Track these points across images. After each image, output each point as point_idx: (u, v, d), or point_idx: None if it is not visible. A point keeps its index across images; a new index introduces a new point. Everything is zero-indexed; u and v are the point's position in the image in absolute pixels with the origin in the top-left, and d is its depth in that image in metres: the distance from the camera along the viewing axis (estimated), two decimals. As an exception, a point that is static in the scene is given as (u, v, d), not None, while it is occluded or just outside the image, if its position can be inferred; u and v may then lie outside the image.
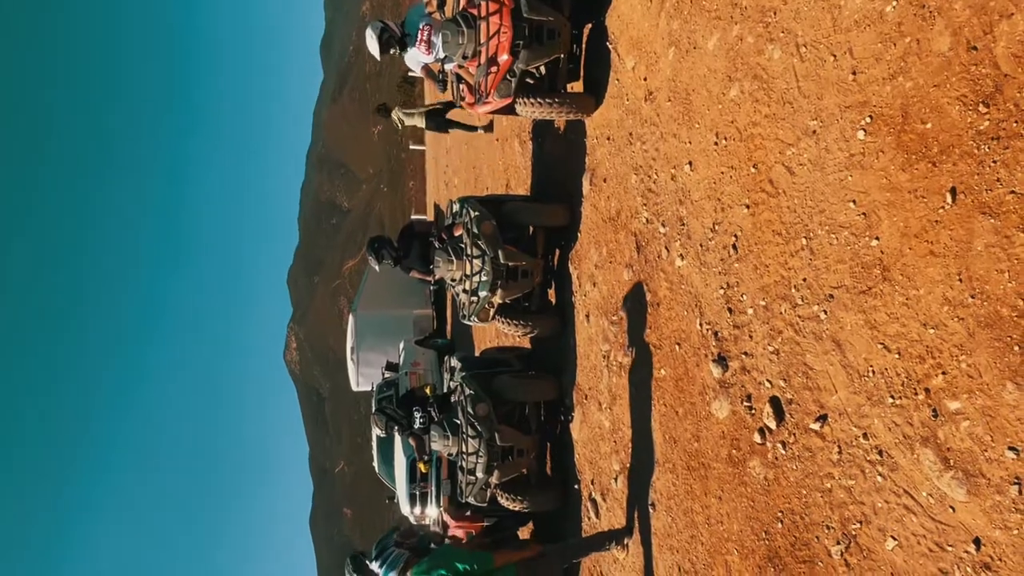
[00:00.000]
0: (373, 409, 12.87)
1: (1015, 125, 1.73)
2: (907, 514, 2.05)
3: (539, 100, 4.49)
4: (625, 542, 4.15)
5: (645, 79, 4.03)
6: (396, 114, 9.39)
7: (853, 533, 2.28)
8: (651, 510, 3.86)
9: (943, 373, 1.93)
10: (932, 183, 1.99)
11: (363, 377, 17.08)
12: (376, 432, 6.15)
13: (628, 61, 4.27)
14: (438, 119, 9.18)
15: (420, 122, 9.33)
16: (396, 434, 6.17)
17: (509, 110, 4.64)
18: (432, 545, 4.86)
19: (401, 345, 15.53)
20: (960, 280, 1.89)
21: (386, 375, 14.50)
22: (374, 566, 3.96)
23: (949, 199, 1.93)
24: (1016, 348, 1.70)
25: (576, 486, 5.17)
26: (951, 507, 1.89)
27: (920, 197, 2.04)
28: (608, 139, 4.64)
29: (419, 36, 4.75)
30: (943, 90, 1.94)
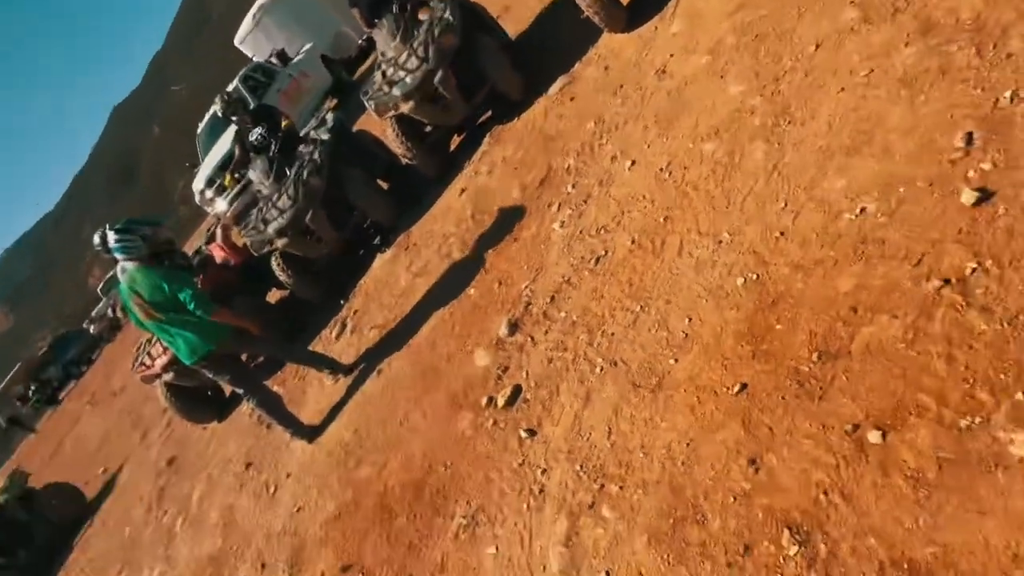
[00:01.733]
0: (233, 83, 11.79)
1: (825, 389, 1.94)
2: (513, 545, 2.41)
3: None
4: (339, 377, 4.40)
5: (672, 55, 3.80)
6: None
7: (474, 517, 2.65)
8: (375, 374, 4.11)
9: (620, 487, 2.23)
10: (739, 367, 2.18)
11: (252, 40, 15.41)
12: (219, 106, 5.66)
13: (675, 24, 3.97)
14: None
15: None
16: (234, 123, 5.74)
17: None
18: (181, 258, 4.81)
19: (306, 46, 14.13)
20: (688, 444, 2.15)
21: (271, 61, 13.22)
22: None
23: (737, 387, 2.14)
24: (671, 515, 2.01)
25: (342, 303, 5.30)
26: (544, 567, 2.25)
27: (724, 367, 2.23)
28: (604, 69, 4.38)
29: None
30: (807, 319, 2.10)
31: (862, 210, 2.23)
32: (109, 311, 22.00)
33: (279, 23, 15.22)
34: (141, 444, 7.71)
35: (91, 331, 24.85)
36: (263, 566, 3.64)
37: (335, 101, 13.72)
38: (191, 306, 3.64)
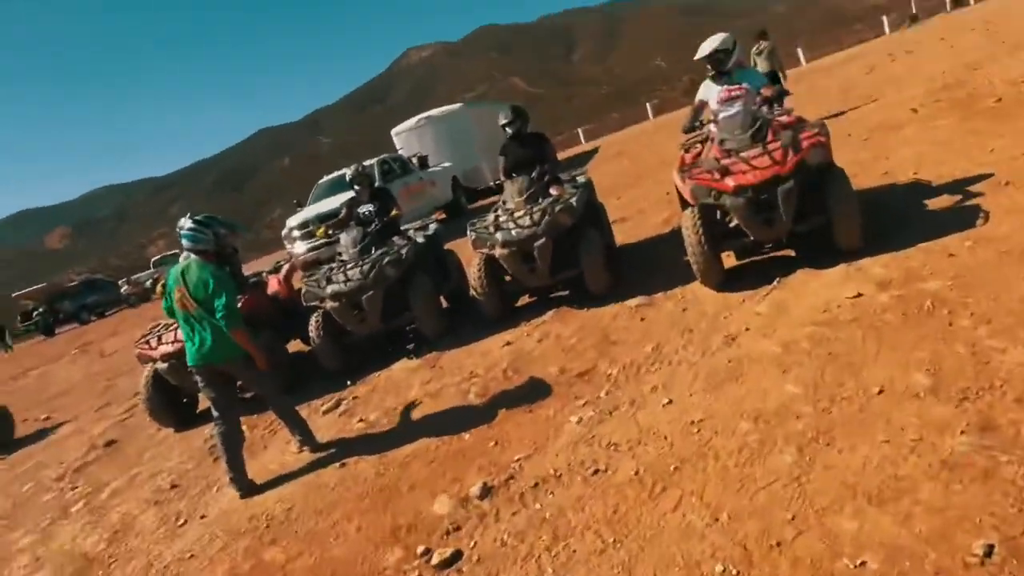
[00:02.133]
0: (372, 160, 12.98)
1: None
2: None
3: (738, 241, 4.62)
4: (304, 448, 4.31)
5: (747, 330, 3.96)
6: None
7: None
8: (338, 465, 4.01)
9: None
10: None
11: (406, 136, 17.09)
12: (350, 171, 6.23)
13: (761, 305, 4.18)
14: None
15: None
16: (353, 190, 6.25)
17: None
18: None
19: (445, 164, 15.58)
20: None
21: (411, 160, 14.53)
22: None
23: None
24: None
25: (348, 383, 5.32)
26: None
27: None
28: (683, 310, 4.60)
29: None
30: None
31: (862, 563, 2.15)
32: (149, 282, 22.67)
33: (435, 136, 16.95)
34: (96, 413, 7.56)
35: (122, 290, 25.50)
36: (124, 592, 3.37)
37: (443, 216, 14.73)
38: (219, 312, 3.76)
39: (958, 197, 4.78)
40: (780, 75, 10.79)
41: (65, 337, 20.57)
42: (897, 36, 25.52)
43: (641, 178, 11.35)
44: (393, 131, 17.70)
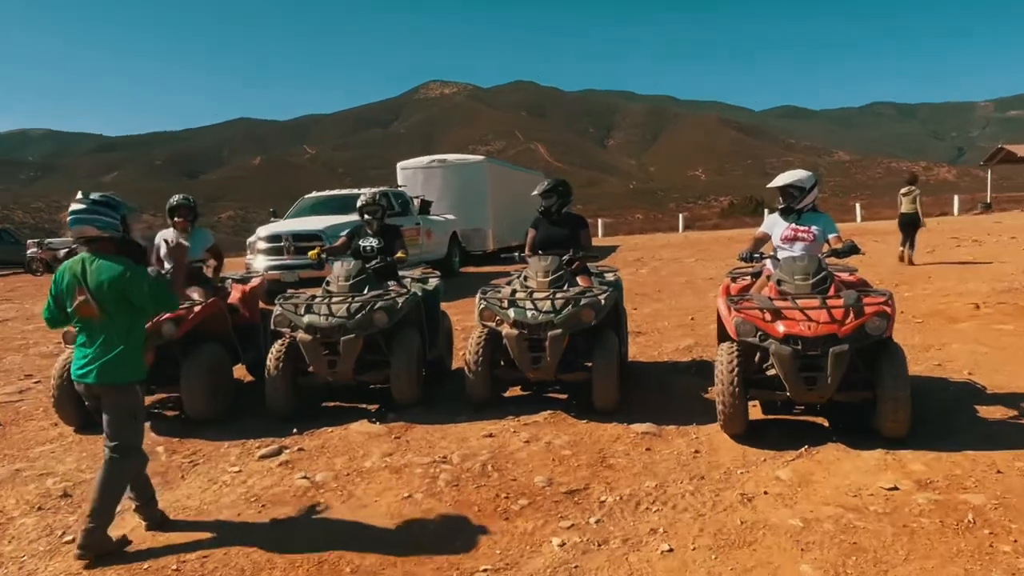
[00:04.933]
0: (377, 189, 13.37)
1: None
2: None
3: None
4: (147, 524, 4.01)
5: (765, 493, 4.11)
6: None
7: None
8: (270, 523, 3.99)
9: None
10: None
11: (413, 175, 17.62)
12: (365, 197, 6.50)
13: (784, 471, 4.36)
14: None
15: None
16: (362, 219, 6.49)
17: None
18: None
19: (448, 216, 16.03)
20: None
21: (414, 200, 14.95)
22: None
23: None
24: None
25: (294, 431, 5.32)
26: None
27: None
28: (694, 452, 4.75)
29: None
30: None
31: None
32: (64, 251, 22.34)
33: (444, 183, 17.51)
34: (-25, 382, 7.38)
35: (29, 251, 25.04)
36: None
37: (436, 273, 15.03)
38: (150, 299, 3.54)
39: (1013, 412, 5.09)
40: (919, 220, 13.52)
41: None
42: (967, 220, 27.17)
43: (662, 294, 11.77)
44: (400, 164, 18.26)
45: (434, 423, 5.41)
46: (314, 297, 5.77)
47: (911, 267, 13.08)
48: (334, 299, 5.65)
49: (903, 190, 13.79)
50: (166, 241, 6.14)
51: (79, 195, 3.65)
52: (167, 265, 6.31)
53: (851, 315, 4.57)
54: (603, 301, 5.48)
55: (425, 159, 18.25)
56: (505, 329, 5.42)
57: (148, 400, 6.19)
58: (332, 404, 6.08)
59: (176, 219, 6.36)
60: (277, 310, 5.69)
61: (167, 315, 5.44)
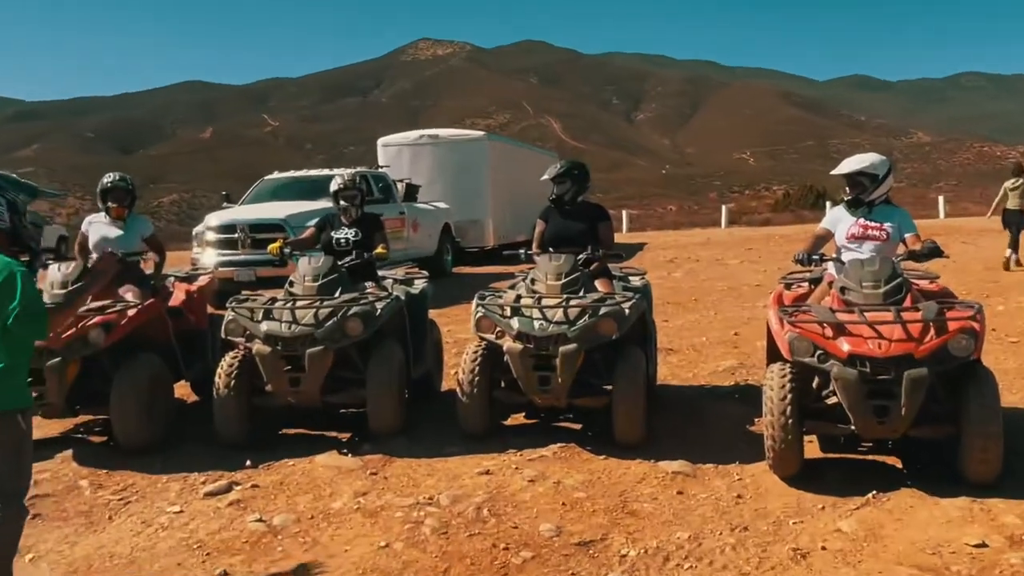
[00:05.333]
0: (369, 174, 13.48)
1: None
2: None
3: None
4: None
5: (823, 548, 4.11)
6: None
7: None
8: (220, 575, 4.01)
9: None
10: None
11: (397, 152, 17.72)
12: (340, 179, 6.51)
13: (847, 523, 4.36)
14: None
15: None
16: (337, 205, 6.50)
17: None
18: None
19: (440, 204, 16.11)
20: None
21: (398, 184, 15.02)
22: None
23: None
24: None
25: (247, 463, 5.35)
26: None
27: None
28: (737, 496, 4.76)
29: None
30: None
31: None
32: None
33: (436, 163, 17.57)
34: None
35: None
36: None
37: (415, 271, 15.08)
38: (17, 316, 3.25)
39: None
40: None
41: None
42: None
43: (701, 303, 11.80)
44: (382, 141, 18.34)
45: (419, 456, 5.42)
46: (274, 300, 5.79)
47: (1008, 273, 13.07)
48: (299, 303, 5.66)
49: (1009, 182, 13.71)
50: (105, 243, 6.19)
51: None
52: (93, 257, 6.34)
53: (931, 332, 4.57)
54: (627, 310, 5.49)
55: (412, 134, 18.33)
56: (507, 343, 5.42)
57: (71, 423, 6.24)
58: (294, 431, 6.12)
59: (109, 203, 6.38)
60: (229, 315, 5.71)
61: (96, 319, 5.47)
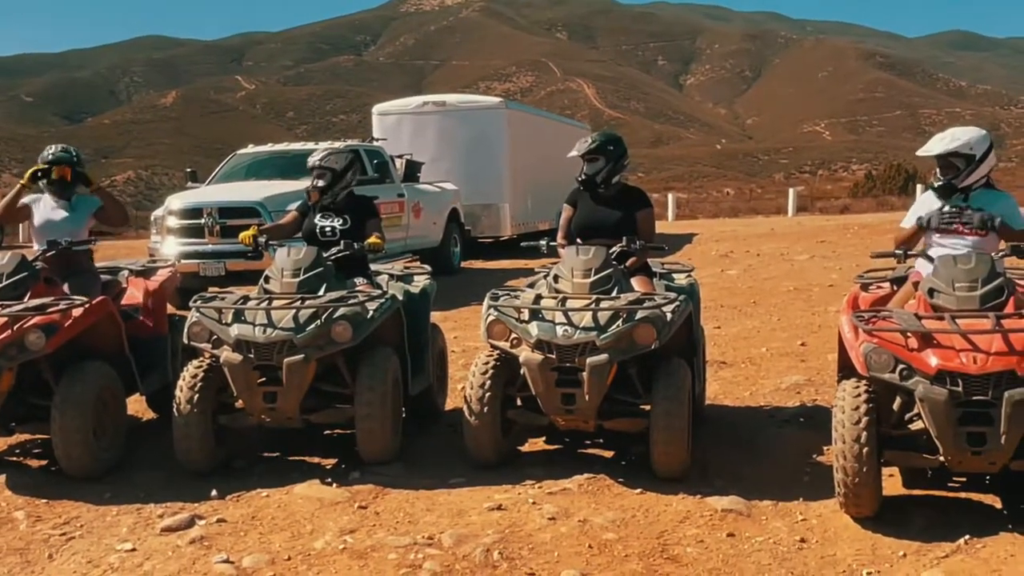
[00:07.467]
0: (362, 148, 13.53)
1: None
2: None
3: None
4: None
5: None
6: None
7: None
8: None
9: None
10: None
11: (396, 122, 17.81)
12: (318, 155, 6.48)
13: (934, 572, 4.36)
14: None
15: None
16: (315, 187, 6.49)
17: None
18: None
19: (449, 185, 16.15)
20: None
21: (396, 161, 15.10)
22: None
23: None
24: None
25: (213, 494, 5.41)
26: None
27: None
28: (800, 540, 4.77)
29: None
30: None
31: None
32: None
33: (442, 135, 17.64)
34: None
35: None
36: None
37: (425, 269, 15.24)
38: None
39: None
40: None
41: None
42: None
43: (760, 306, 11.80)
44: (377, 108, 18.42)
45: (417, 488, 5.45)
46: (247, 299, 5.83)
47: None
48: (276, 303, 5.71)
49: None
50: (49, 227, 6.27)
51: None
52: (36, 245, 6.42)
53: (1038, 344, 4.56)
54: (669, 315, 5.50)
55: (415, 101, 18.41)
56: (524, 353, 5.45)
57: (5, 443, 6.32)
58: (270, 454, 6.17)
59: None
60: (193, 317, 5.76)
61: (35, 319, 5.49)
